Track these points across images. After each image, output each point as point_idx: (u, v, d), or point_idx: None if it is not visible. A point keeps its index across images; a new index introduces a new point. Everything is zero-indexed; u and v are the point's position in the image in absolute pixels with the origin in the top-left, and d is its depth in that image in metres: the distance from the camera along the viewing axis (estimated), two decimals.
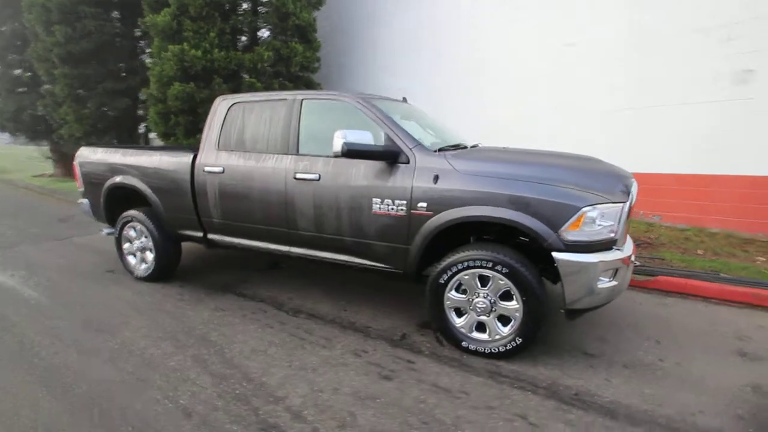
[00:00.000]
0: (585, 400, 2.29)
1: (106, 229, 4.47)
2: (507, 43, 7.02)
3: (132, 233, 4.12)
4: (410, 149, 2.78)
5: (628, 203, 2.48)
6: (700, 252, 4.84)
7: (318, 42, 8.62)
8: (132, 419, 2.13)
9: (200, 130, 7.81)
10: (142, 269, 4.11)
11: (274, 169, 3.20)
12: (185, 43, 7.22)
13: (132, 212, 4.03)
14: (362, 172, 2.88)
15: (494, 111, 7.13)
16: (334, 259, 3.13)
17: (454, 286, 2.70)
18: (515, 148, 3.32)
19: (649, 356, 2.75)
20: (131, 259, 4.21)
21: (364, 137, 2.70)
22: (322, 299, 3.70)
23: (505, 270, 2.50)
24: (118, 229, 4.16)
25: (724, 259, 4.55)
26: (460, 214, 2.54)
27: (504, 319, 2.65)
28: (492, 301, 2.61)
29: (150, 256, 4.05)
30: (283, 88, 8.09)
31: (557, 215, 2.37)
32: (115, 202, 4.26)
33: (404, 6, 8.59)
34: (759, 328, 3.14)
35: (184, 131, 7.85)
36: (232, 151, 3.45)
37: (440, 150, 2.90)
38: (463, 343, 2.72)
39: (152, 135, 12.55)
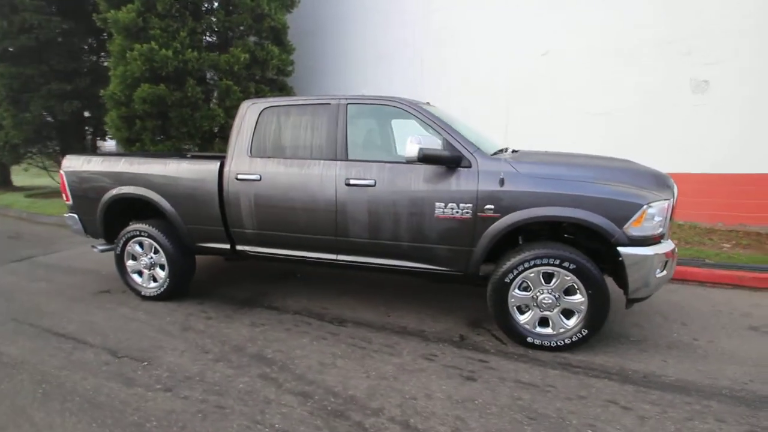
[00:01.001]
0: (655, 381, 2.50)
1: (100, 246, 4.02)
2: (485, 47, 7.36)
3: (138, 249, 3.74)
4: (471, 153, 2.85)
5: (673, 200, 2.75)
6: (674, 242, 5.43)
7: (291, 45, 8.42)
8: None
9: (170, 136, 7.33)
10: (153, 287, 3.74)
11: (321, 175, 3.09)
12: (153, 42, 6.69)
13: (140, 225, 3.67)
14: (422, 177, 2.89)
15: (474, 116, 7.43)
16: (389, 265, 3.10)
17: (518, 284, 2.81)
18: (558, 152, 3.52)
19: (684, 337, 3.06)
20: (137, 278, 3.82)
21: (434, 142, 2.72)
22: (359, 306, 3.64)
23: (572, 266, 2.65)
24: (121, 245, 3.75)
25: (696, 248, 5.15)
26: (533, 214, 2.66)
27: (567, 313, 2.80)
28: (557, 296, 2.76)
29: (161, 272, 3.71)
30: (260, 92, 7.79)
31: (623, 213, 2.57)
32: (115, 215, 3.85)
33: (374, 10, 8.67)
34: (755, 305, 3.62)
35: (152, 137, 7.25)
36: (268, 157, 3.28)
37: (494, 154, 3.00)
38: (528, 339, 2.84)
39: (101, 142, 11.39)
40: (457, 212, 2.81)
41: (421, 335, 3.12)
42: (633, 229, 2.58)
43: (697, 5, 5.59)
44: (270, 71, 7.77)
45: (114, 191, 3.68)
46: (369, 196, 2.99)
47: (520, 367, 2.66)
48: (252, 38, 7.97)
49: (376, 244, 3.06)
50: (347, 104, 3.15)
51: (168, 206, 3.53)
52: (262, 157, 3.29)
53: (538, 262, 2.71)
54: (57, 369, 2.68)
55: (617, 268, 2.69)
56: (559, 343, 2.79)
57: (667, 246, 2.73)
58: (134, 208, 3.94)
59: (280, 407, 2.27)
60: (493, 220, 2.76)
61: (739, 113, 5.52)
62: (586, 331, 2.73)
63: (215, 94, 7.77)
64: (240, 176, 3.28)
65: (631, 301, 2.76)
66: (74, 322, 3.38)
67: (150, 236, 3.63)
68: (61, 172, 3.93)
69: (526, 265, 2.73)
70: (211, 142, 7.72)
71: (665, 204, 2.67)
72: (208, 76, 7.94)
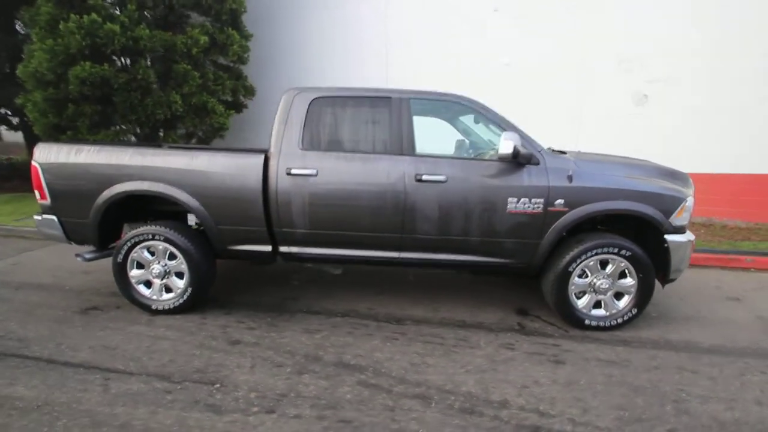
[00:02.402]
0: (696, 347, 2.93)
1: (88, 254, 3.33)
2: (449, 53, 7.66)
3: (147, 255, 3.19)
4: (539, 151, 3.00)
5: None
6: None
7: (248, 31, 7.81)
8: None
9: (112, 123, 6.29)
10: (168, 299, 3.23)
11: (388, 171, 2.98)
12: (94, 13, 5.67)
13: (154, 228, 3.13)
14: (494, 173, 2.97)
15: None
16: (454, 261, 3.12)
17: (578, 272, 3.05)
18: (593, 152, 3.82)
19: (689, 310, 3.60)
20: (143, 289, 3.26)
21: (517, 140, 2.80)
22: (403, 304, 3.58)
23: (628, 254, 2.97)
24: (124, 252, 3.16)
25: None
26: (601, 208, 2.91)
27: (617, 296, 3.12)
28: (611, 281, 3.06)
29: (179, 281, 3.22)
30: (218, 79, 7.09)
31: (670, 206, 2.96)
32: (113, 217, 3.23)
33: (334, 5, 8.46)
34: (718, 281, 4.40)
35: (89, 124, 6.14)
36: (324, 151, 3.05)
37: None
38: (586, 321, 3.10)
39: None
40: (529, 207, 2.95)
41: (482, 327, 3.20)
42: (676, 219, 2.99)
43: (641, 32, 6.54)
44: (231, 57, 7.09)
45: (119, 188, 3.08)
46: (440, 192, 2.98)
47: (590, 348, 2.90)
48: (202, 19, 7.19)
49: (444, 240, 3.05)
50: (410, 99, 3.08)
51: (196, 205, 3.07)
52: (316, 151, 3.05)
53: (599, 251, 2.98)
54: (106, 406, 2.19)
55: (659, 254, 3.07)
56: (612, 323, 3.10)
57: (691, 235, 3.19)
58: (130, 209, 3.37)
59: (408, 413, 2.17)
60: (562, 213, 2.95)
61: (670, 122, 6.60)
62: (635, 310, 3.08)
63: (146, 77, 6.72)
64: (294, 171, 3.00)
65: (666, 282, 3.19)
66: (81, 348, 2.77)
67: (168, 240, 3.11)
68: (35, 163, 3.16)
69: (589, 254, 2.98)
70: (159, 131, 6.81)
71: (692, 199, 3.14)
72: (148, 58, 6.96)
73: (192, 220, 3.39)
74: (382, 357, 2.73)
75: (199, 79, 6.55)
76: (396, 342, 2.94)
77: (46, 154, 3.16)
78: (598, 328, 3.11)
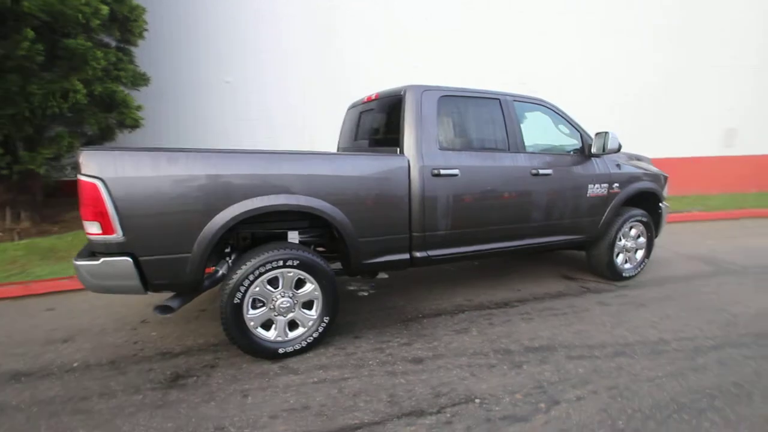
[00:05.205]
0: (695, 276, 4.24)
1: (172, 302, 2.40)
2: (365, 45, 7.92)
3: (268, 287, 2.54)
4: None
5: None
6: None
7: (140, 6, 6.22)
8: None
9: None
10: (299, 336, 2.67)
11: (512, 167, 3.22)
12: None
13: (284, 252, 2.51)
14: (578, 165, 3.59)
15: None
16: (550, 242, 3.61)
17: (619, 238, 4.00)
18: None
19: (657, 254, 4.96)
20: (263, 332, 2.58)
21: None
22: (485, 290, 3.88)
23: (645, 220, 4.07)
24: (245, 288, 2.44)
25: None
26: (638, 187, 3.90)
27: (636, 251, 4.21)
28: (636, 242, 4.12)
29: (310, 313, 2.70)
30: (119, 63, 5.47)
31: (662, 182, 4.19)
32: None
33: None
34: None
35: None
36: (459, 150, 3.04)
37: None
38: (624, 274, 4.09)
39: None
40: (600, 190, 3.70)
41: (564, 294, 3.80)
42: (663, 191, 4.26)
43: (526, 57, 8.27)
44: (136, 34, 5.52)
45: (243, 206, 2.34)
46: (548, 184, 3.41)
47: (642, 292, 3.85)
48: None
49: (546, 225, 3.50)
50: (513, 101, 3.37)
51: (341, 218, 2.62)
52: (452, 150, 3.02)
53: (633, 221, 3.98)
54: None
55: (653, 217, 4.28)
56: (635, 272, 4.17)
57: (668, 203, 4.52)
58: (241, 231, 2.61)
59: (631, 367, 2.57)
60: (616, 194, 3.82)
61: None
62: (646, 259, 4.24)
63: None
64: (443, 171, 2.90)
65: (654, 238, 4.46)
66: (252, 425, 2.08)
67: (303, 264, 2.56)
68: (92, 180, 2.06)
69: (627, 223, 3.95)
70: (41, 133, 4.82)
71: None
72: None
73: (294, 237, 2.83)
74: (547, 335, 3.01)
75: (104, 62, 4.94)
76: (534, 321, 3.25)
77: (114, 165, 2.11)
78: (629, 278, 4.14)
